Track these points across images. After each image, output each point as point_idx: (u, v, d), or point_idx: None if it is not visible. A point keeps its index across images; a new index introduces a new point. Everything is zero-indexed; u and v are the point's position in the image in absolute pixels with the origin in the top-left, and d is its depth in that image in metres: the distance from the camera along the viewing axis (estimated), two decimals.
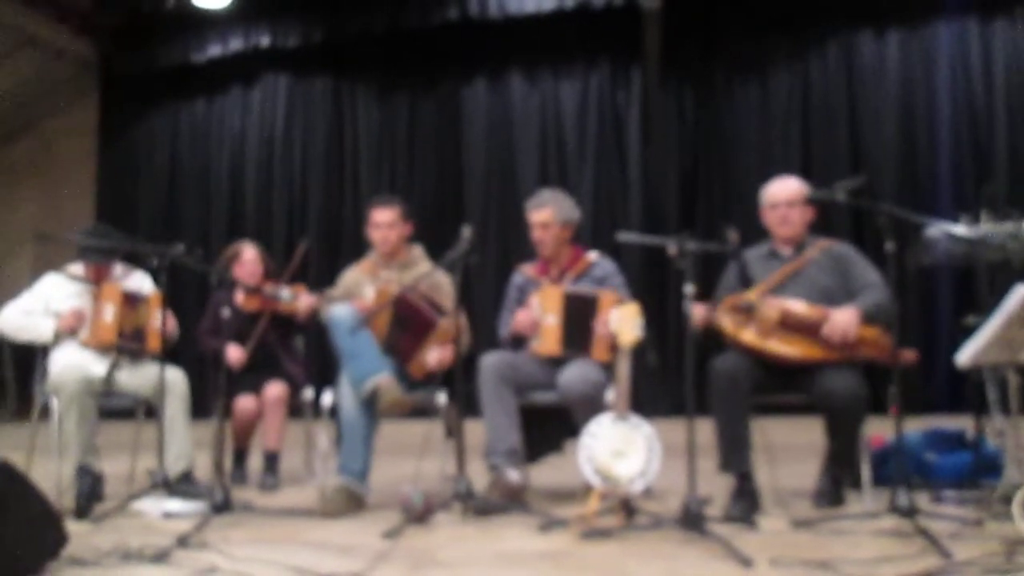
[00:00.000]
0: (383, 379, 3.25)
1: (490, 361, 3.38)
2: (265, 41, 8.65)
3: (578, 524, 2.76)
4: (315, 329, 4.29)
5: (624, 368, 2.88)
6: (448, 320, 3.48)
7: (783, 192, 3.34)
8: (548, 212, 3.59)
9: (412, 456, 3.35)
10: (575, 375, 3.27)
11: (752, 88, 7.93)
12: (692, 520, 2.60)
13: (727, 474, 3.05)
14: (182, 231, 8.64)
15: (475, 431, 3.19)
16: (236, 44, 8.73)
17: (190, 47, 8.85)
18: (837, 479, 3.16)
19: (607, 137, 8.22)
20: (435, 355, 3.50)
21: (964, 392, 4.49)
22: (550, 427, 3.52)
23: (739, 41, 7.92)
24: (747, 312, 3.08)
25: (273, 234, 8.52)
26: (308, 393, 4.17)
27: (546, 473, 3.71)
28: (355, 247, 8.31)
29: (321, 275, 6.60)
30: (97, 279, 3.84)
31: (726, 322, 3.08)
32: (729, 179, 7.81)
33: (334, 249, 8.34)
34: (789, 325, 3.07)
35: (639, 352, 2.97)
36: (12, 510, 2.36)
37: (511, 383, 3.35)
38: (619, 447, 2.82)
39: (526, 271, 3.72)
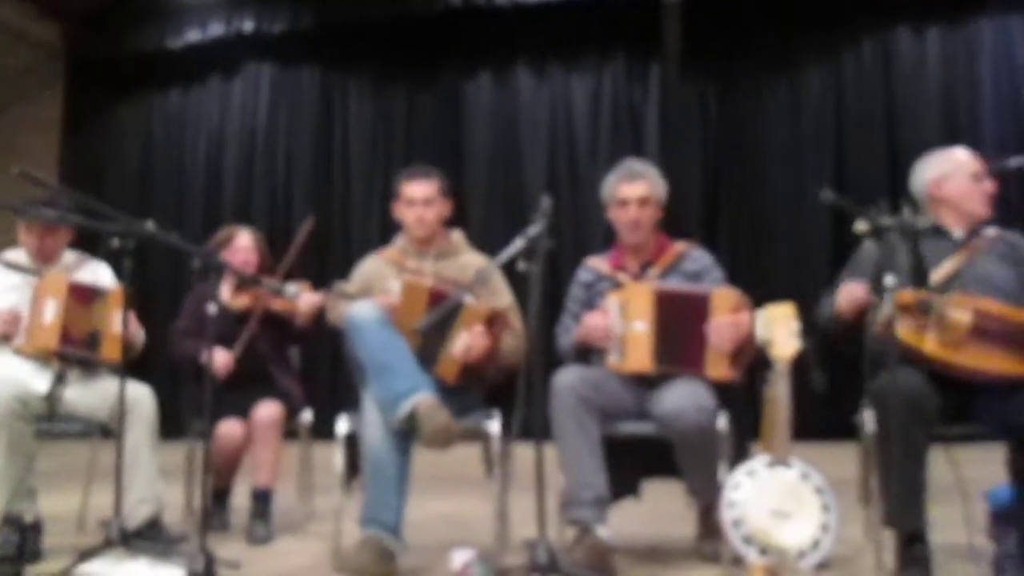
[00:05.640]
0: (424, 400, 2.44)
1: (568, 380, 2.52)
2: (248, 26, 7.87)
3: None
4: (314, 336, 3.51)
5: (783, 391, 2.06)
6: (476, 300, 2.69)
7: (978, 162, 2.61)
8: (646, 185, 2.82)
9: (450, 493, 2.53)
10: (683, 400, 2.44)
11: (781, 86, 7.28)
12: None
13: (893, 530, 2.27)
14: None
15: (524, 458, 2.41)
16: (216, 29, 7.93)
17: (165, 31, 8.04)
18: None
19: (622, 136, 7.49)
20: (461, 342, 2.65)
21: None
22: (627, 464, 2.71)
23: (767, 36, 7.25)
24: (925, 312, 2.30)
25: None
26: (306, 416, 3.37)
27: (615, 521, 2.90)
28: (344, 251, 7.57)
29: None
30: (42, 255, 3.01)
31: (901, 326, 2.29)
32: (755, 183, 7.11)
33: (320, 253, 7.50)
34: (985, 332, 2.31)
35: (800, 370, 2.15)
36: None
37: (595, 409, 2.51)
38: (781, 505, 1.98)
39: (595, 265, 2.91)
